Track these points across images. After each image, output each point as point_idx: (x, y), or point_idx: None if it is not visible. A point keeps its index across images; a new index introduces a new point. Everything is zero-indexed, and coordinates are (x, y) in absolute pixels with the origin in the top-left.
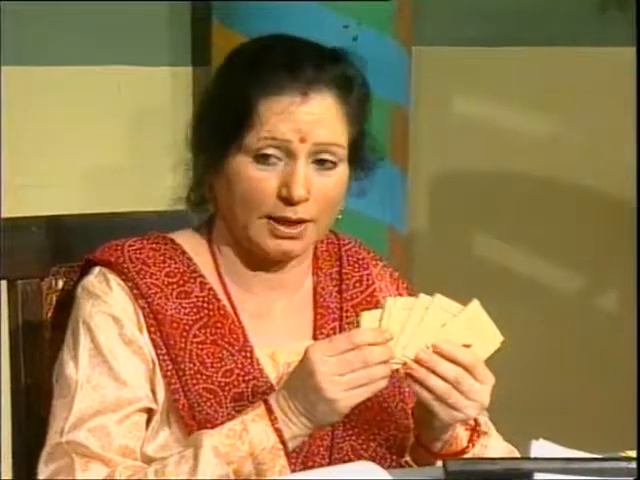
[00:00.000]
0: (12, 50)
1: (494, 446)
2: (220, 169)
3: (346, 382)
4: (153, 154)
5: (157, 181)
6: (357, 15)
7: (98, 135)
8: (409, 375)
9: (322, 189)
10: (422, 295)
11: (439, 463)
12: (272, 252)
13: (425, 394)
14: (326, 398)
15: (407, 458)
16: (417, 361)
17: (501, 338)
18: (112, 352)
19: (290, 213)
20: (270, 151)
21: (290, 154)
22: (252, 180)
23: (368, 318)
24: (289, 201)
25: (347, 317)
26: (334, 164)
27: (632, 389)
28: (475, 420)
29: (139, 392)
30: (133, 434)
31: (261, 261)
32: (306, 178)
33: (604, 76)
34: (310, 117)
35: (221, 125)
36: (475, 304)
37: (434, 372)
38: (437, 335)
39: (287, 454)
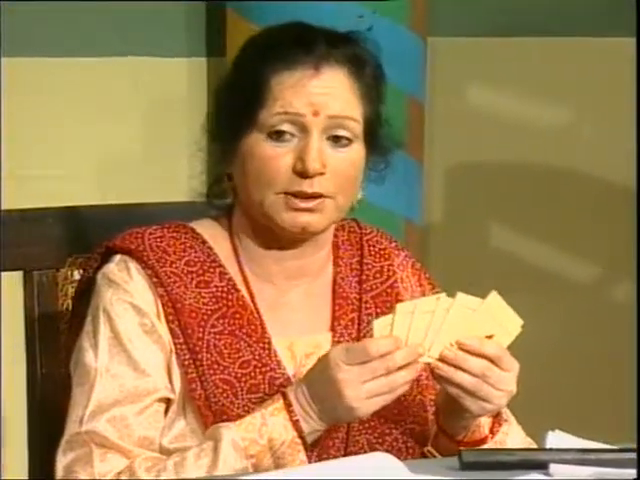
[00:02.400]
0: (29, 42)
1: (514, 434)
2: (236, 151)
3: (368, 390)
4: (169, 145)
5: (173, 172)
6: (372, 5)
7: (114, 126)
8: (436, 374)
9: (337, 165)
10: (443, 296)
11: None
12: (288, 226)
13: (455, 390)
14: (347, 406)
15: (429, 447)
16: (442, 359)
17: (521, 322)
18: (132, 341)
19: (306, 187)
20: (284, 127)
21: (304, 129)
22: (266, 157)
23: (380, 325)
24: (304, 174)
25: (366, 308)
26: (349, 140)
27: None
28: None
29: (158, 382)
30: (152, 425)
31: (281, 248)
32: (320, 152)
33: (621, 67)
34: (322, 90)
35: (236, 106)
36: (494, 295)
37: (461, 368)
38: (460, 332)
39: (306, 448)
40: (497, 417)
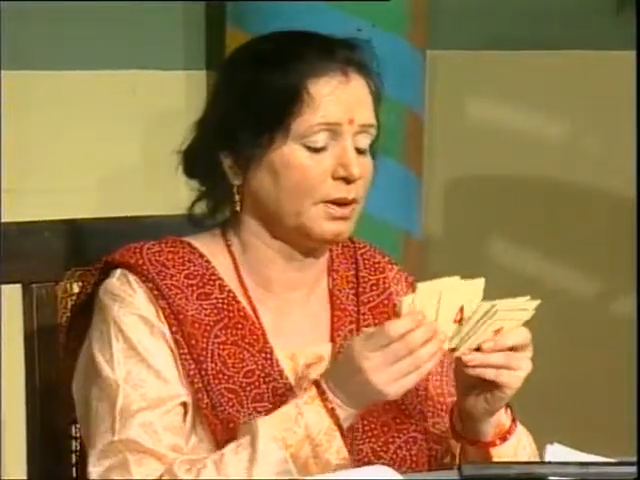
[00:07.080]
0: (29, 55)
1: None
2: (259, 162)
3: (395, 372)
4: (168, 158)
5: (171, 185)
6: (371, 18)
7: (113, 139)
8: (469, 363)
9: (364, 170)
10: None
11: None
12: (325, 234)
13: (492, 372)
14: (377, 391)
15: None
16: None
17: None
18: (147, 350)
19: (346, 193)
20: (322, 136)
21: (338, 135)
22: (306, 167)
23: (407, 302)
24: (349, 180)
25: (364, 320)
26: (368, 146)
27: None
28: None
29: (177, 387)
30: (178, 431)
31: (288, 258)
32: (356, 157)
33: (620, 80)
34: (354, 97)
35: (262, 116)
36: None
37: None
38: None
39: (343, 434)
40: (507, 407)
